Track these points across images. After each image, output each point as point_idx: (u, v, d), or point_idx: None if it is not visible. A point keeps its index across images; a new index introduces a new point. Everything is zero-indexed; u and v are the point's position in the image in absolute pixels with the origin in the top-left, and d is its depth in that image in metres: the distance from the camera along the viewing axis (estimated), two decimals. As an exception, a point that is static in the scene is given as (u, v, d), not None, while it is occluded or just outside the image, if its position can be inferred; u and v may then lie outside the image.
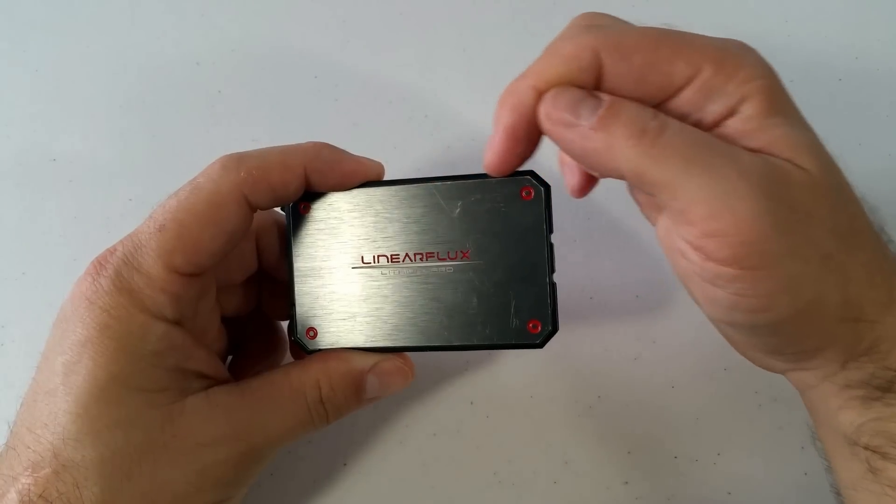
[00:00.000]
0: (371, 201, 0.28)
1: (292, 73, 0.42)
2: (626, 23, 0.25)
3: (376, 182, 0.28)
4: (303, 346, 0.28)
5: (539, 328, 0.26)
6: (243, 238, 0.27)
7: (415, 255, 0.27)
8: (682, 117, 0.23)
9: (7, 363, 0.37)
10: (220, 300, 0.29)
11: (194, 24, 0.44)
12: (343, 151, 0.28)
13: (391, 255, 0.28)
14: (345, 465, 0.33)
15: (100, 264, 0.25)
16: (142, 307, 0.24)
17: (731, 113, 0.23)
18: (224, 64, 0.43)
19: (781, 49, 0.42)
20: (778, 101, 0.24)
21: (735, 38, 0.24)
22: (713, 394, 0.34)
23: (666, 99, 0.24)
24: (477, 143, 0.40)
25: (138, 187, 0.39)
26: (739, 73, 0.23)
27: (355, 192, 0.28)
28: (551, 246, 0.27)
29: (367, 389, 0.28)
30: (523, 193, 0.27)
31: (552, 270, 0.27)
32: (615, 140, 0.22)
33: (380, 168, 0.28)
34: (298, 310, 0.28)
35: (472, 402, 0.34)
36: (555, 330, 0.26)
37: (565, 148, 0.24)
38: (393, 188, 0.28)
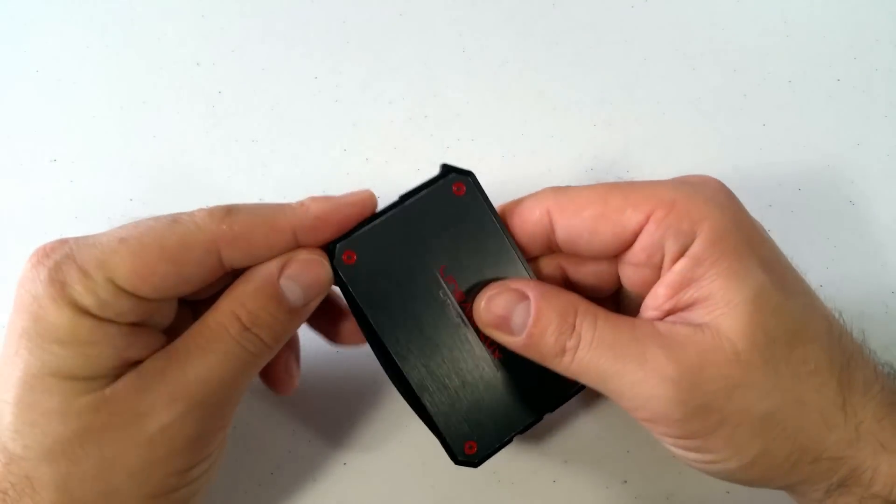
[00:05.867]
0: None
1: (292, 73, 0.42)
2: (584, 187, 0.27)
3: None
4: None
5: None
6: (201, 289, 0.26)
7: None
8: (646, 261, 0.26)
9: (7, 363, 0.37)
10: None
11: (194, 25, 0.44)
12: (333, 199, 0.27)
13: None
14: (345, 464, 0.33)
15: (45, 254, 0.24)
16: (69, 300, 0.23)
17: (683, 251, 0.25)
18: (224, 64, 0.43)
19: (781, 49, 0.42)
20: (726, 241, 0.24)
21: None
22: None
23: (627, 246, 0.26)
24: (477, 143, 0.40)
25: (138, 187, 0.39)
26: (692, 211, 0.24)
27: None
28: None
29: (288, 296, 0.26)
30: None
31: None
32: (544, 358, 0.26)
33: (370, 198, 0.27)
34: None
35: (472, 402, 0.34)
36: None
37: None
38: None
